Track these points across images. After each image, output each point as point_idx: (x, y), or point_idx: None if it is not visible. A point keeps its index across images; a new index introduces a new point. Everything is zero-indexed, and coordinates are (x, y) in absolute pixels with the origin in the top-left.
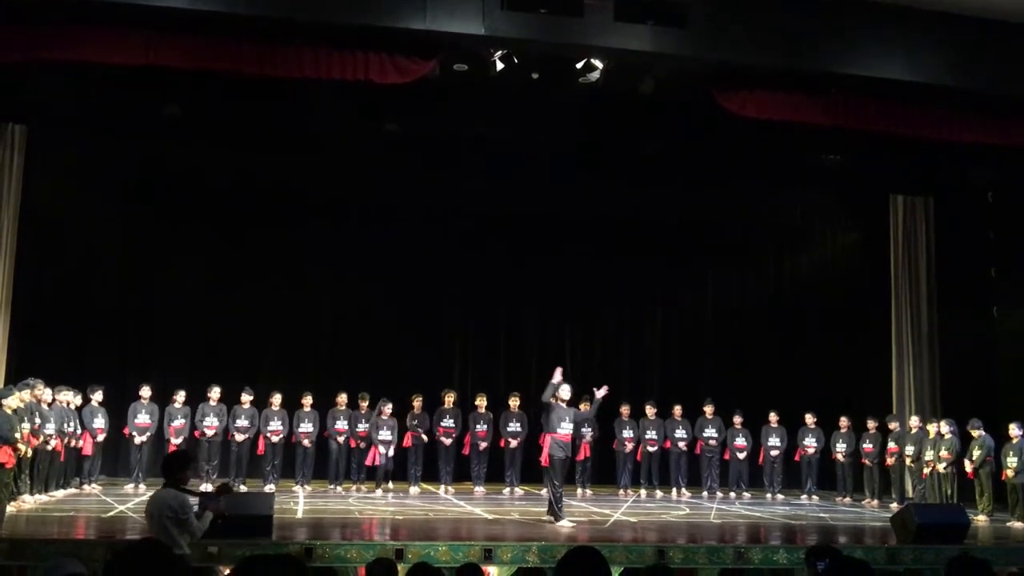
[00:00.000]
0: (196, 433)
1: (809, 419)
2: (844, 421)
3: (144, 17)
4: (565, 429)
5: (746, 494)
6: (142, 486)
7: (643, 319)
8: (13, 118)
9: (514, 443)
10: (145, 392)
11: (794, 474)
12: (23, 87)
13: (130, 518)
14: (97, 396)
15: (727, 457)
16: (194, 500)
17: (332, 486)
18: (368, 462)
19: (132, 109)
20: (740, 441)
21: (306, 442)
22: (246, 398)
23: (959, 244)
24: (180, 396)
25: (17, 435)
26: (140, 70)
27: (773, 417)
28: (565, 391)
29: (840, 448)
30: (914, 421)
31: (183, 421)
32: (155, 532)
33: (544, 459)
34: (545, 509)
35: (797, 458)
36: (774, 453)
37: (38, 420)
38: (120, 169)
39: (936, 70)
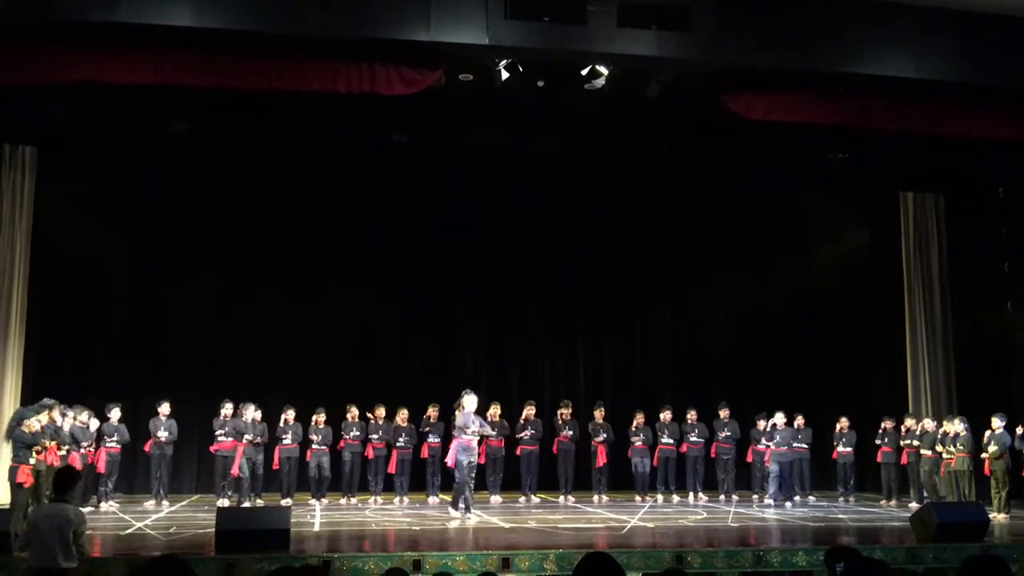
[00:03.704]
0: (211, 449)
1: (844, 422)
2: (843, 420)
3: (151, 36)
4: (469, 435)
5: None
6: (164, 502)
7: (653, 324)
8: (23, 140)
9: (529, 451)
10: (164, 408)
11: (824, 476)
12: (33, 109)
13: (148, 535)
14: (115, 414)
15: (749, 460)
16: None
17: (344, 500)
18: (390, 470)
19: (140, 128)
20: (762, 445)
21: (323, 457)
22: (256, 415)
23: (971, 240)
24: (227, 407)
25: (32, 458)
26: (147, 88)
27: (799, 420)
28: (471, 402)
29: (842, 448)
30: (929, 420)
31: (230, 439)
32: (45, 546)
33: (451, 462)
34: (560, 516)
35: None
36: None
37: (56, 440)
38: (130, 188)
39: (942, 66)
